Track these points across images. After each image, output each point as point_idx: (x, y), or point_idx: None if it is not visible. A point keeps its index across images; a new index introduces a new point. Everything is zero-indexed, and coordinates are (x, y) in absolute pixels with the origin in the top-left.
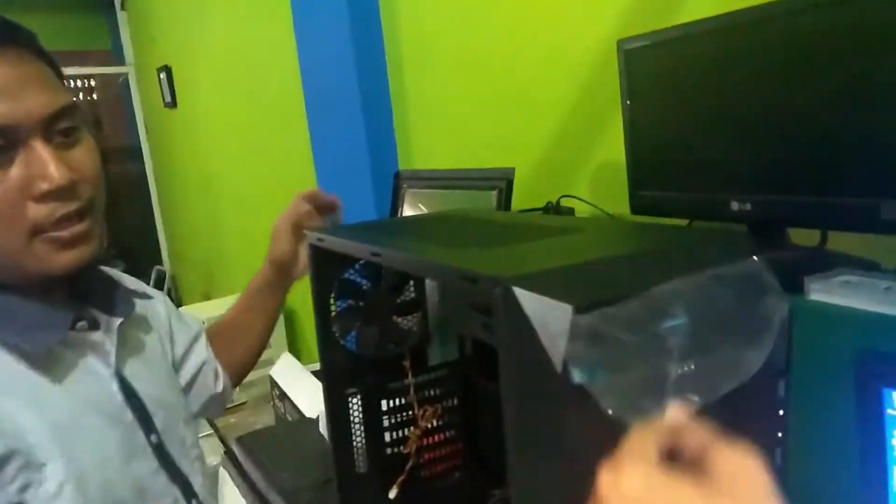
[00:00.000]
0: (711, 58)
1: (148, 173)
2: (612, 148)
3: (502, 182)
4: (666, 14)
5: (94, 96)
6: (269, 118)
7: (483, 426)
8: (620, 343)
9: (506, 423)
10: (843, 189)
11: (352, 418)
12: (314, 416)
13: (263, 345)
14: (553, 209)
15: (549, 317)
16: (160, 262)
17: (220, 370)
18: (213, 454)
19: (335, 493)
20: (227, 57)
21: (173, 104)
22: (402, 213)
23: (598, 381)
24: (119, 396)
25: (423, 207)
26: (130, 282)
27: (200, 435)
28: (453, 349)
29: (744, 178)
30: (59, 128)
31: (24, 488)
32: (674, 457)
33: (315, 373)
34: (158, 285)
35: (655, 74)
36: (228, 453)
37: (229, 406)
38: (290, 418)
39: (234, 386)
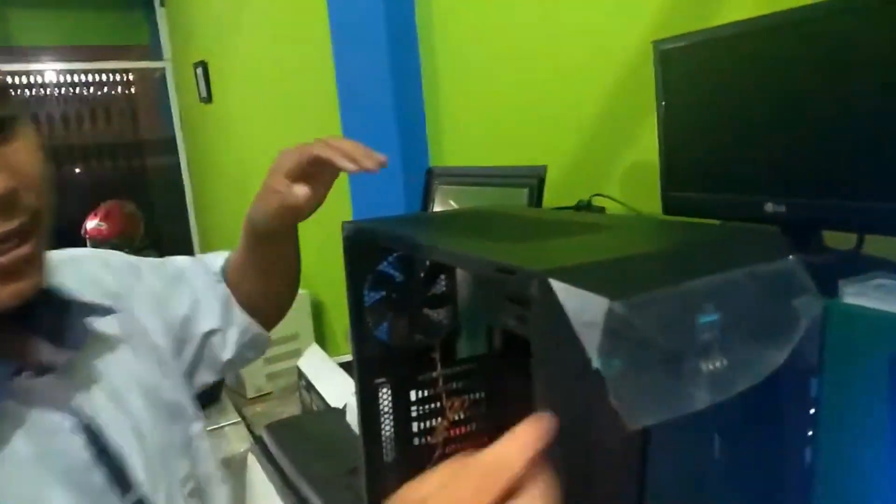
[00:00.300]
0: (748, 60)
1: (182, 166)
2: (645, 148)
3: (534, 180)
4: (703, 15)
5: (132, 90)
6: (302, 114)
7: (509, 421)
8: (653, 337)
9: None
10: (880, 193)
11: (381, 408)
12: (340, 407)
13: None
14: (585, 208)
15: (584, 309)
16: (191, 252)
17: (245, 324)
18: (241, 441)
19: (362, 481)
20: (262, 53)
21: (209, 99)
22: (433, 210)
23: (628, 375)
24: (85, 454)
25: (453, 204)
26: (94, 287)
27: (228, 422)
28: (482, 343)
29: (778, 181)
30: None
31: None
32: None
33: (342, 364)
34: None
35: (691, 75)
36: (258, 440)
37: (256, 395)
38: (316, 409)
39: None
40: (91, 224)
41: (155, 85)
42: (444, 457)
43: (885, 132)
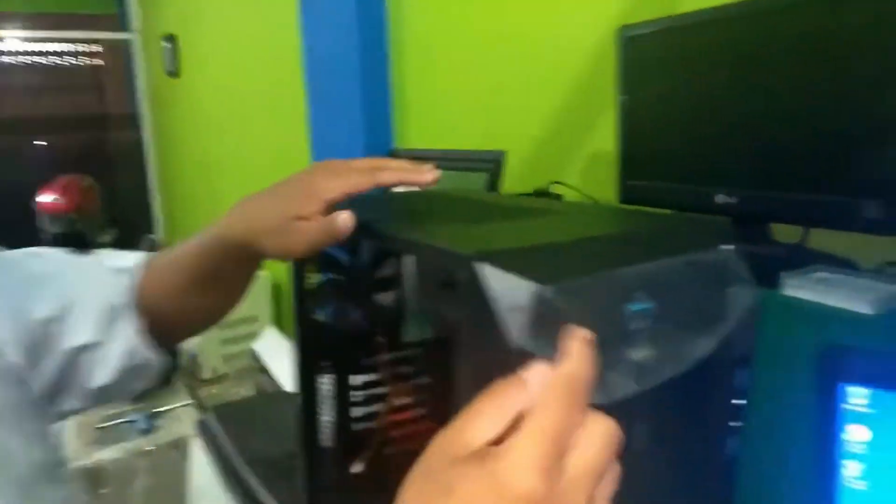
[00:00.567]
0: (706, 49)
1: (147, 142)
2: (605, 137)
3: (492, 164)
4: (665, 4)
5: (98, 61)
6: (270, 92)
7: (454, 406)
8: (580, 323)
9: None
10: (826, 187)
11: (322, 392)
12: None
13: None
14: (542, 195)
15: (511, 293)
16: (151, 231)
17: (133, 344)
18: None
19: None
20: (231, 28)
21: (176, 74)
22: (392, 192)
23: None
24: None
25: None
26: None
27: (181, 404)
28: (430, 328)
29: (730, 172)
30: None
31: None
32: None
33: None
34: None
35: (652, 64)
36: (201, 424)
37: (212, 377)
38: (270, 392)
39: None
40: (46, 198)
41: (121, 57)
42: (385, 443)
43: (830, 127)
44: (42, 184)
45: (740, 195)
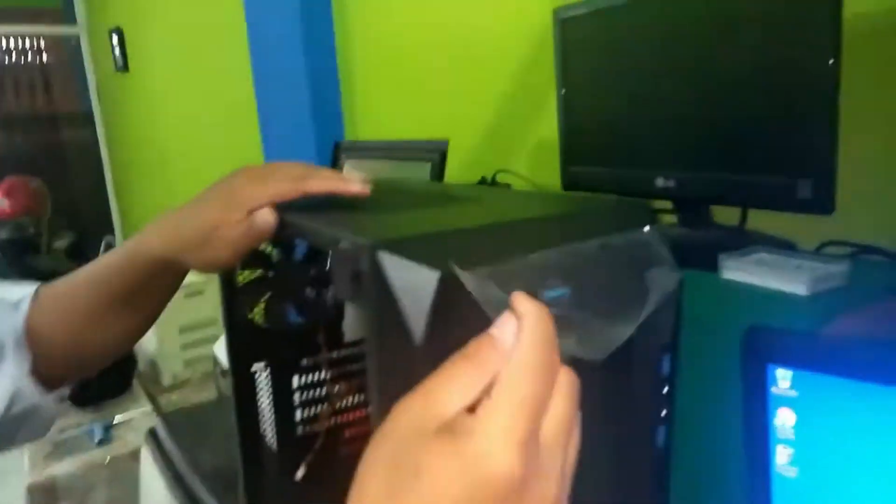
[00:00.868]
0: (641, 29)
1: (100, 140)
2: (551, 123)
3: (436, 154)
4: None
5: (44, 58)
6: (220, 85)
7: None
8: (489, 313)
9: (371, 401)
10: (761, 168)
11: (259, 395)
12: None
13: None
14: (489, 184)
15: (414, 283)
16: (111, 232)
17: (15, 387)
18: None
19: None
20: (179, 21)
21: (125, 68)
22: None
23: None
24: None
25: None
26: None
27: (140, 411)
28: None
29: (669, 155)
30: None
31: None
32: None
33: None
34: None
35: (588, 45)
36: (151, 432)
37: (172, 383)
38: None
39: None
40: None
41: (69, 52)
42: (328, 446)
43: (764, 108)
44: None
45: (679, 178)
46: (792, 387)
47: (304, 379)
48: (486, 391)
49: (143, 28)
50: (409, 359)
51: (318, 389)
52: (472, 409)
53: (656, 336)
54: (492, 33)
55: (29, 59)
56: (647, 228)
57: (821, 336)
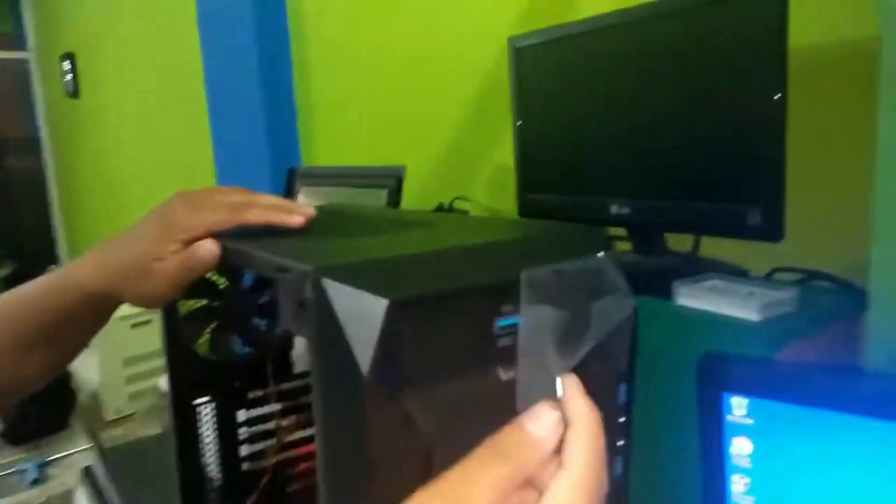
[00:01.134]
0: (593, 58)
1: (47, 167)
2: (509, 150)
3: (392, 181)
4: (562, 13)
5: None
6: (174, 112)
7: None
8: (442, 342)
9: (316, 434)
10: (712, 195)
11: (203, 431)
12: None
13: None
14: (446, 210)
15: (360, 311)
16: (56, 262)
17: None
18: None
19: None
20: (131, 47)
21: (76, 94)
22: None
23: (412, 384)
24: None
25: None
26: None
27: (78, 449)
28: None
29: (623, 183)
30: None
31: None
32: None
33: None
34: None
35: (543, 74)
36: (86, 470)
37: (116, 417)
38: None
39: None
40: None
41: (18, 77)
42: (275, 482)
43: (711, 135)
44: None
45: (633, 205)
46: (748, 415)
47: (250, 412)
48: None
49: (97, 54)
50: (356, 390)
51: (266, 423)
52: None
53: (612, 364)
54: (448, 61)
55: None
56: (601, 254)
57: (776, 363)
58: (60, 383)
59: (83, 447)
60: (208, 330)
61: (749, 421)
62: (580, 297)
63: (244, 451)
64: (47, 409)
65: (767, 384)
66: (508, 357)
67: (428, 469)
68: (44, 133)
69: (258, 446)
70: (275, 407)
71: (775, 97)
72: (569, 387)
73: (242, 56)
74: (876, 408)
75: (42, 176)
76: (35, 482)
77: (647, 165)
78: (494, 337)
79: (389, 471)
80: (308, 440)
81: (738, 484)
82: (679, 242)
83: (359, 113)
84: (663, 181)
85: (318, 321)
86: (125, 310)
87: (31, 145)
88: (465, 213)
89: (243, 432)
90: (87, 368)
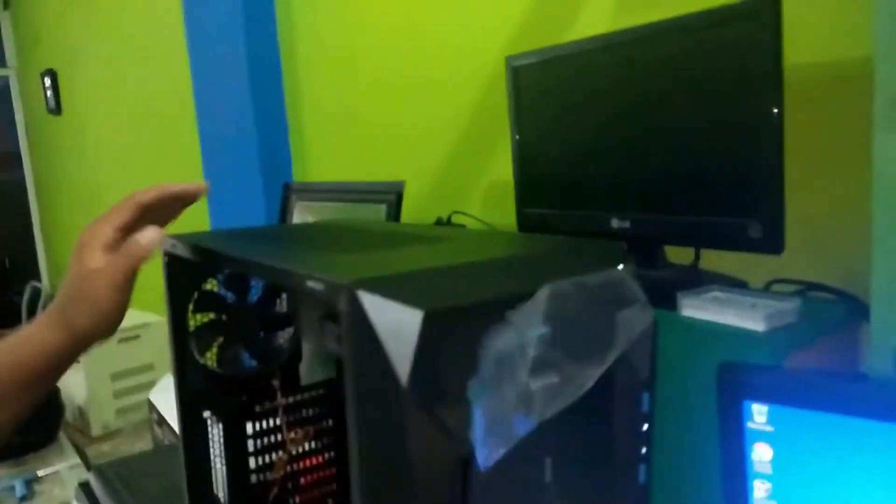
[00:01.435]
0: (593, 77)
1: (28, 183)
2: (505, 165)
3: (391, 196)
4: (557, 32)
5: None
6: (159, 128)
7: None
8: (477, 353)
9: (350, 446)
10: (715, 209)
11: (212, 444)
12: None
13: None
14: (444, 225)
15: (396, 323)
16: (37, 278)
17: None
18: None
19: None
20: (115, 63)
21: (58, 111)
22: None
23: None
24: None
25: (312, 220)
26: None
27: (66, 465)
28: (331, 367)
29: (623, 197)
30: None
31: None
32: None
33: None
34: (33, 302)
35: (541, 91)
36: (83, 486)
37: (103, 433)
38: (168, 444)
39: None
40: None
41: None
42: (285, 493)
43: (716, 151)
44: None
45: (633, 219)
46: (768, 422)
47: (258, 426)
48: None
49: (79, 71)
50: (393, 402)
51: (274, 436)
52: None
53: (635, 374)
54: (443, 77)
55: None
56: (620, 267)
57: (796, 371)
58: (48, 399)
59: (71, 462)
60: (216, 344)
61: (769, 428)
62: (601, 309)
63: (252, 463)
64: (34, 425)
65: (788, 391)
66: (536, 367)
67: (465, 479)
68: (24, 149)
69: (266, 459)
70: (282, 419)
71: (773, 110)
72: None
73: (232, 72)
74: None
75: (22, 191)
76: (22, 499)
77: (648, 181)
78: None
79: (427, 482)
80: (313, 453)
81: (759, 490)
82: (676, 255)
83: (352, 129)
84: (664, 196)
85: (354, 334)
86: None
87: (12, 160)
88: (462, 227)
89: (251, 445)
90: (74, 384)
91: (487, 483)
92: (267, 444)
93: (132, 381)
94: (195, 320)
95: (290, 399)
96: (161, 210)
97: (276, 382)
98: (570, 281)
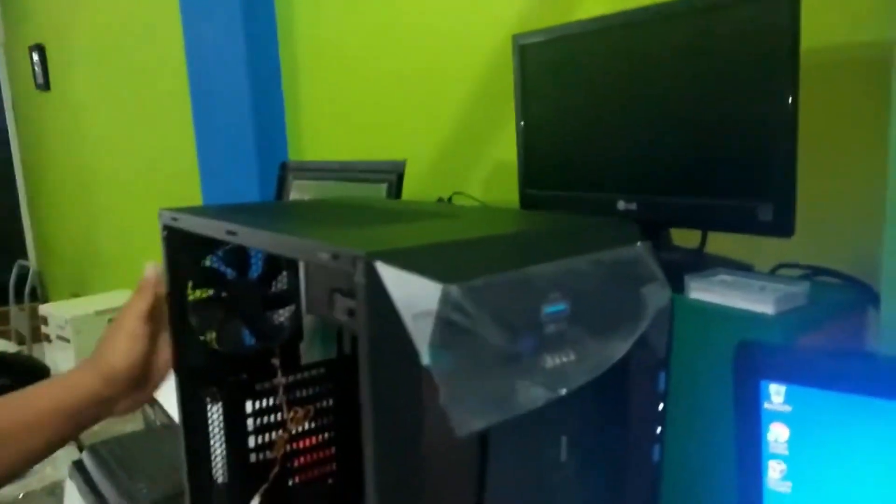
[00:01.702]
0: (600, 57)
1: (14, 160)
2: (508, 146)
3: (392, 175)
4: (564, 11)
5: None
6: (151, 104)
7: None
8: (493, 327)
9: (364, 421)
10: (724, 191)
11: (210, 422)
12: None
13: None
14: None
15: (414, 295)
16: (24, 257)
17: None
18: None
19: None
20: (106, 38)
21: (46, 86)
22: None
23: (464, 370)
24: None
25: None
26: None
27: None
28: (331, 346)
29: (630, 179)
30: None
31: None
32: None
33: None
34: (20, 282)
35: (548, 71)
36: (76, 464)
37: None
38: (160, 425)
39: None
40: None
41: None
42: (284, 473)
43: (725, 133)
44: None
45: (640, 201)
46: (785, 402)
47: (258, 404)
48: None
49: (68, 45)
50: (411, 377)
51: (274, 415)
52: None
53: (652, 352)
54: (446, 56)
55: None
56: (638, 244)
57: (814, 351)
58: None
59: None
60: (217, 321)
61: (787, 408)
62: (619, 287)
63: (252, 442)
64: None
65: (806, 371)
66: (554, 343)
67: (483, 454)
68: (11, 126)
69: (267, 438)
70: (283, 398)
71: (788, 95)
72: None
73: (228, 47)
74: None
75: (9, 169)
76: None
77: (656, 162)
78: (542, 324)
79: (444, 458)
80: (315, 432)
81: (774, 470)
82: (680, 239)
83: (351, 108)
84: (673, 178)
85: (371, 307)
86: (102, 303)
87: None
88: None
89: (250, 424)
90: (64, 363)
91: (504, 459)
92: (267, 422)
93: None
94: (195, 296)
95: (291, 378)
96: None
97: (276, 361)
98: (588, 257)
